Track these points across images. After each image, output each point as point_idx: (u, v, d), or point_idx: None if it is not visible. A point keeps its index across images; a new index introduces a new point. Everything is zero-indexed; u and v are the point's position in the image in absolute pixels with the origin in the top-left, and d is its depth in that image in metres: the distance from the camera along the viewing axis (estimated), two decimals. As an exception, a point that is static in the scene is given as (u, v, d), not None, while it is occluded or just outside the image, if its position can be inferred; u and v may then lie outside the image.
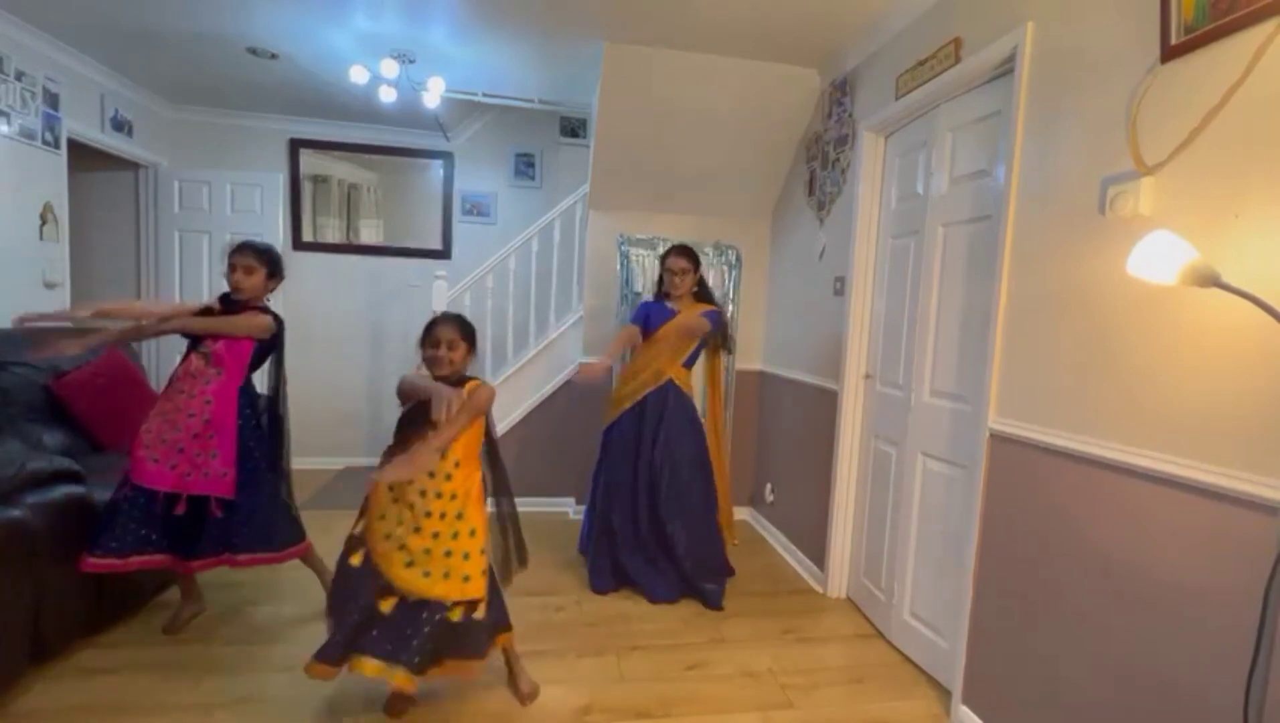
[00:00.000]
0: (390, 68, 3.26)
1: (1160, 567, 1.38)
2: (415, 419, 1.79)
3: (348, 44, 3.20)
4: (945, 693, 2.10)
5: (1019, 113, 1.83)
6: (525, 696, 1.99)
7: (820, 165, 3.12)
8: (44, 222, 3.31)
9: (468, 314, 2.98)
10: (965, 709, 1.95)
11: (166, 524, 2.15)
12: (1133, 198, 1.45)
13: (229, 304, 2.26)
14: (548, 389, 3.74)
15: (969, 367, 2.08)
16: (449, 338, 1.83)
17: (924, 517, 2.30)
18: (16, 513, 1.83)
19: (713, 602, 2.69)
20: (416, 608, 1.76)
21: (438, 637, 1.76)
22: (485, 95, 3.82)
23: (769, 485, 3.60)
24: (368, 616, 1.75)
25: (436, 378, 1.81)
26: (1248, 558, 1.20)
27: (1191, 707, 1.30)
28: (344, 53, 3.28)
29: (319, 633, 2.31)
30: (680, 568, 2.73)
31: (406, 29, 3.03)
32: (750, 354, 3.76)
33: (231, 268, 2.22)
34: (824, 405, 2.92)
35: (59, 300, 3.45)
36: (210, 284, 4.24)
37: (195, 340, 2.22)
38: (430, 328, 1.86)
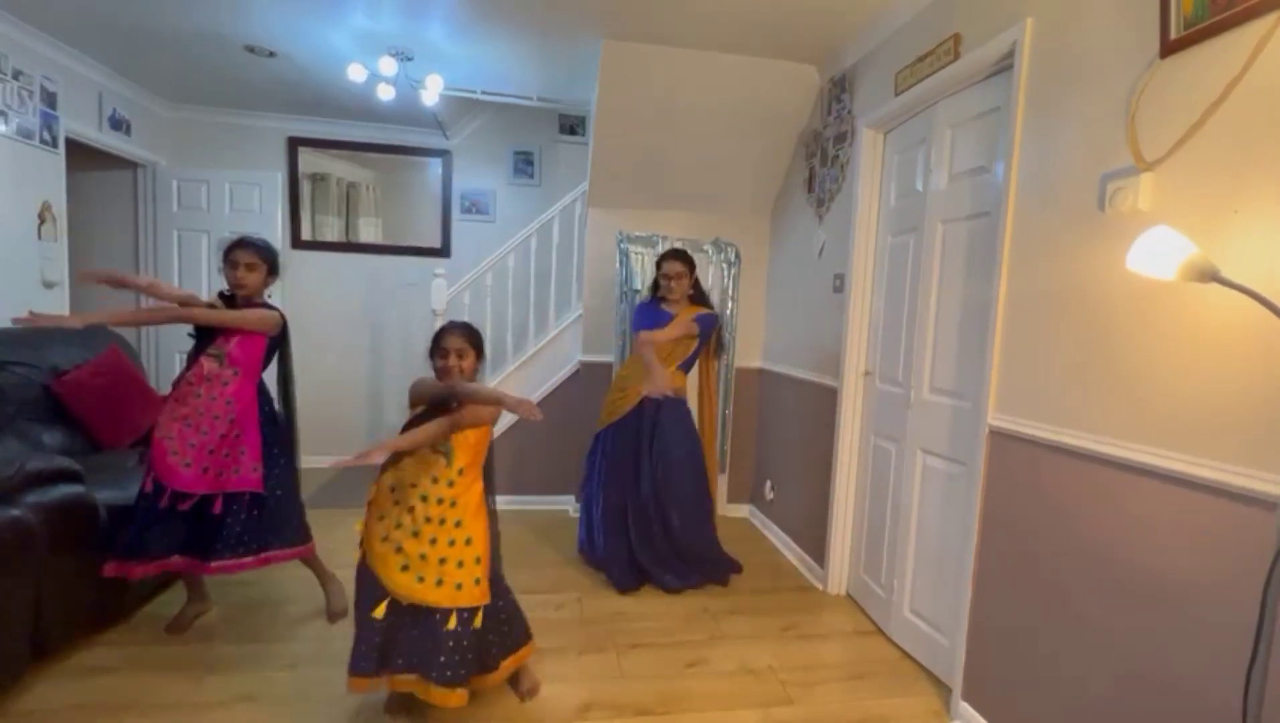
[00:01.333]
0: (388, 65, 3.25)
1: (1160, 562, 1.38)
2: (427, 420, 1.80)
3: (345, 42, 3.19)
4: (945, 689, 2.10)
5: (1018, 109, 1.82)
6: (526, 693, 1.99)
7: (819, 162, 3.12)
8: (42, 221, 3.31)
9: (467, 313, 3.00)
10: (966, 705, 1.95)
11: (189, 527, 2.16)
12: (1132, 194, 1.45)
13: (230, 302, 2.24)
14: (548, 387, 3.73)
15: (968, 363, 2.07)
16: (458, 347, 1.83)
17: (924, 513, 2.30)
18: (16, 513, 1.83)
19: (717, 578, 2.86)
20: (410, 613, 1.73)
21: (433, 647, 1.72)
22: (484, 93, 3.81)
23: (769, 483, 3.60)
24: (381, 625, 1.74)
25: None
26: (1247, 553, 1.20)
27: (1191, 702, 1.30)
28: (342, 51, 3.28)
29: (321, 632, 2.34)
30: (684, 561, 2.82)
31: (404, 27, 3.02)
32: (750, 352, 3.75)
33: (233, 265, 2.20)
34: (824, 403, 2.92)
35: (58, 300, 3.45)
36: (209, 283, 4.22)
37: (203, 343, 2.19)
38: (438, 339, 1.86)
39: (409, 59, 3.32)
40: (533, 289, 3.80)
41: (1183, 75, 1.36)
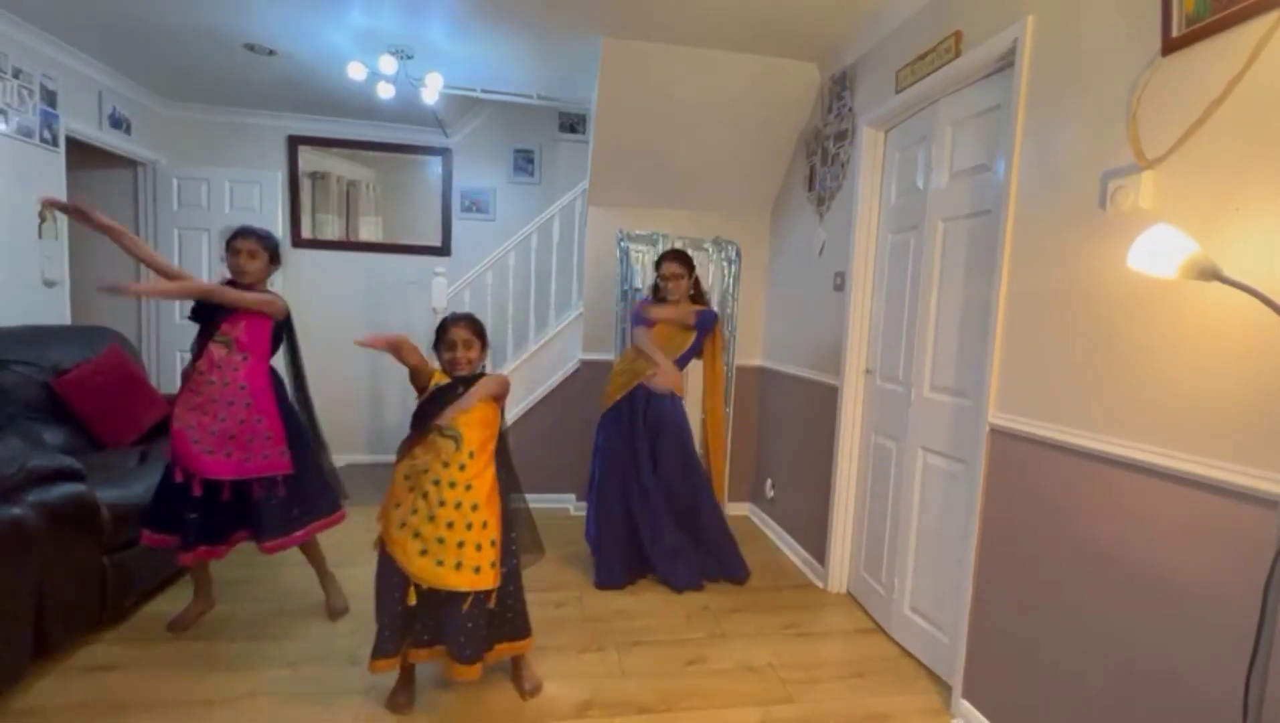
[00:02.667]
0: (388, 64, 3.25)
1: (1160, 561, 1.38)
2: (428, 412, 1.83)
3: (345, 40, 3.19)
4: (946, 687, 2.10)
5: (1019, 107, 1.82)
6: (527, 691, 2.00)
7: (820, 160, 3.12)
8: (42, 220, 3.31)
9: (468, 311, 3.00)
10: (966, 703, 1.95)
11: (231, 510, 2.19)
12: (1133, 192, 1.45)
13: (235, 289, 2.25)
14: (548, 386, 3.74)
15: (969, 361, 2.07)
16: (464, 338, 1.87)
17: (924, 511, 2.31)
18: (18, 511, 1.83)
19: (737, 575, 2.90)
20: (435, 596, 1.81)
21: (452, 626, 1.83)
22: (484, 91, 3.81)
23: (769, 481, 3.60)
24: (403, 607, 1.82)
25: (454, 378, 1.87)
26: (1248, 552, 1.20)
27: (1191, 701, 1.31)
28: (341, 49, 3.27)
29: (321, 630, 2.34)
30: (700, 554, 2.87)
31: (404, 25, 3.02)
32: (750, 350, 3.75)
33: (234, 252, 2.22)
34: (824, 401, 2.92)
35: (58, 298, 3.46)
36: (210, 280, 4.23)
37: (206, 331, 2.20)
38: (443, 331, 1.89)
39: (409, 57, 3.32)
40: (533, 288, 3.80)
41: (1184, 73, 1.36)
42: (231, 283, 2.26)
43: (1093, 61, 1.60)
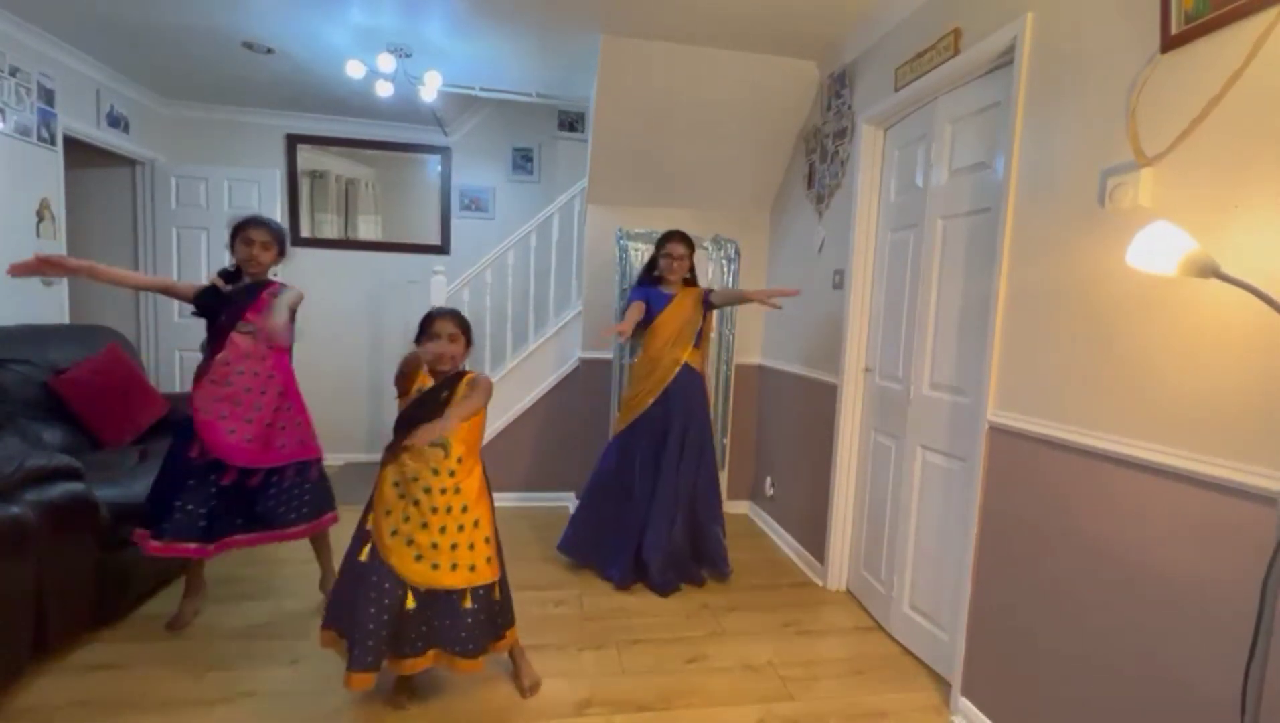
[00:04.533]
0: (387, 62, 3.24)
1: (1159, 558, 1.38)
2: (412, 419, 1.79)
3: (344, 38, 3.18)
4: (945, 685, 2.10)
5: (1018, 104, 1.82)
6: (527, 689, 2.00)
7: (819, 158, 3.11)
8: (41, 219, 3.30)
9: (466, 310, 3.00)
10: (965, 701, 1.96)
11: (247, 502, 2.19)
12: (1132, 189, 1.45)
13: (233, 279, 2.23)
14: (548, 384, 3.74)
15: (968, 359, 2.07)
16: (449, 331, 1.84)
17: (923, 509, 2.31)
18: (16, 510, 1.83)
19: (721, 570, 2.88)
20: (433, 598, 1.79)
21: (453, 624, 1.80)
22: (483, 89, 3.80)
23: (769, 479, 3.61)
24: (394, 616, 1.75)
25: (436, 371, 1.85)
26: (1247, 549, 1.20)
27: (1190, 696, 1.31)
28: (340, 47, 3.27)
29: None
30: (682, 551, 2.83)
31: (402, 23, 3.01)
32: (749, 348, 3.75)
33: (248, 242, 2.19)
34: (823, 399, 2.92)
35: (56, 298, 3.45)
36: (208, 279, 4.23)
37: (224, 323, 2.17)
38: (428, 322, 1.87)
39: (407, 55, 3.31)
40: (532, 286, 3.80)
41: (1183, 70, 1.36)
42: (234, 273, 2.24)
43: (1092, 59, 1.60)
